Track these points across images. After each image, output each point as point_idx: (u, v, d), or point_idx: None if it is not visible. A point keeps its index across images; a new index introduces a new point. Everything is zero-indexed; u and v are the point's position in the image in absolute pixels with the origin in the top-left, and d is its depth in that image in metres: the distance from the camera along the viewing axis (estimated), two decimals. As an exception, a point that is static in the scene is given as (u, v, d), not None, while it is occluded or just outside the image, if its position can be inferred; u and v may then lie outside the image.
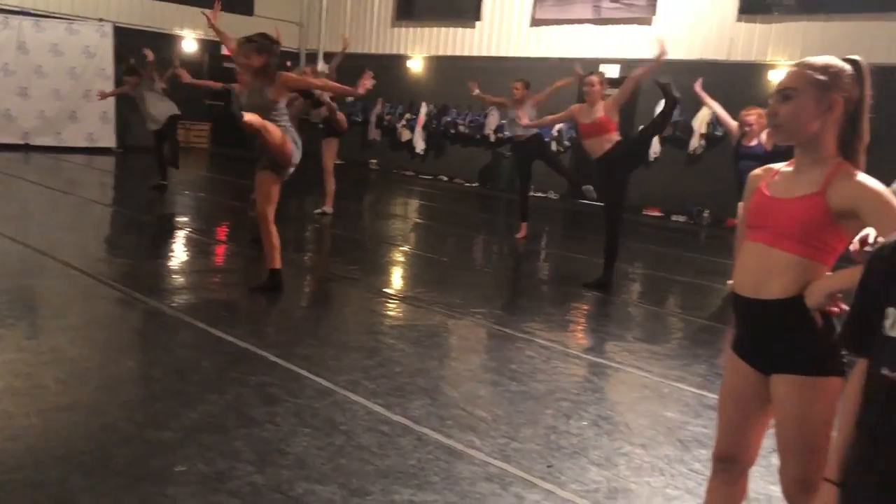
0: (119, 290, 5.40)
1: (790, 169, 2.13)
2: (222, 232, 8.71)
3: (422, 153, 16.60)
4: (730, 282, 3.82)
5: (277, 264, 5.66)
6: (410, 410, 3.76)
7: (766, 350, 2.10)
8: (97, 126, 14.71)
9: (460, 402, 3.94)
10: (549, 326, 5.55)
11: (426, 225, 10.95)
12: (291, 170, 5.60)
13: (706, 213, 12.61)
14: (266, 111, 5.29)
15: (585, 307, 6.40)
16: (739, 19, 12.21)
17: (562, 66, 14.21)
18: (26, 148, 14.06)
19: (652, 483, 3.24)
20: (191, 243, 7.69)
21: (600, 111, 6.75)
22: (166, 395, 3.71)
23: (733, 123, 7.05)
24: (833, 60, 2.06)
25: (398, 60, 17.08)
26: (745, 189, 2.26)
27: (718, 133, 12.28)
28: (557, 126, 13.89)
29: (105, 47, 14.90)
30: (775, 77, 11.79)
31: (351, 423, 3.55)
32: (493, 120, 15.20)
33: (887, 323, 1.51)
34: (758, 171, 2.23)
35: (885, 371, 1.49)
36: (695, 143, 12.60)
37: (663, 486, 3.21)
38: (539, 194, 13.94)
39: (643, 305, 6.78)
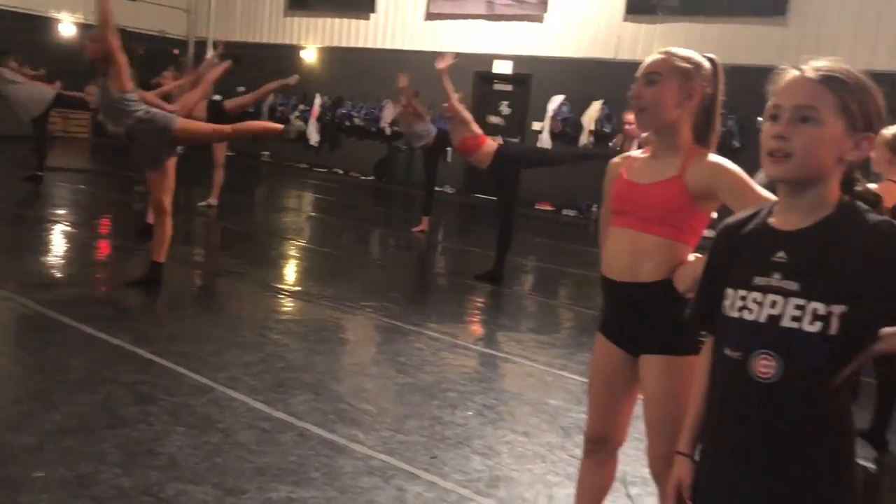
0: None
1: (647, 156, 2.19)
2: (101, 225, 8.29)
3: (316, 145, 16.33)
4: None
5: (162, 258, 5.45)
6: (293, 406, 3.66)
7: (635, 332, 2.15)
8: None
9: (345, 396, 3.87)
10: (440, 319, 5.55)
11: (320, 218, 10.78)
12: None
13: (595, 208, 12.96)
14: (117, 107, 5.16)
15: (478, 300, 6.44)
16: (626, 19, 12.59)
17: (456, 60, 14.30)
18: None
19: (533, 470, 3.27)
20: (67, 237, 7.27)
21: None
22: (28, 396, 3.47)
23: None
24: (695, 54, 2.13)
25: (291, 51, 16.73)
26: (605, 177, 2.30)
27: (607, 129, 12.65)
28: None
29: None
30: None
31: (229, 421, 3.43)
32: (388, 113, 15.11)
33: (727, 303, 1.55)
34: (616, 159, 2.28)
35: (727, 351, 1.53)
36: (584, 139, 12.92)
37: (544, 472, 3.25)
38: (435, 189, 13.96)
39: (534, 297, 6.88)
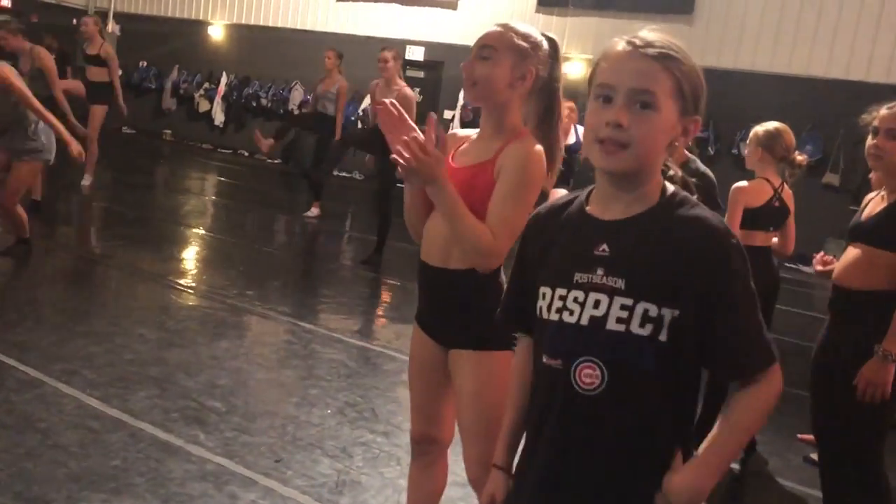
0: None
1: (475, 137, 2.00)
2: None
3: (221, 126, 15.72)
4: None
5: (27, 234, 5.23)
6: (131, 403, 3.36)
7: (445, 323, 2.00)
8: None
9: (193, 392, 3.58)
10: (319, 309, 5.29)
11: (215, 202, 10.32)
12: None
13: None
14: None
15: (363, 289, 6.20)
16: (538, 11, 12.53)
17: (368, 43, 13.99)
18: None
19: (386, 474, 3.07)
20: None
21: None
22: None
23: None
24: (534, 32, 1.95)
25: (197, 26, 16.03)
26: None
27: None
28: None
29: None
30: (570, 69, 12.22)
31: (52, 420, 3.10)
32: (297, 95, 14.67)
33: (543, 304, 1.37)
34: (457, 132, 2.10)
35: (545, 359, 1.35)
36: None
37: (397, 476, 3.05)
38: (344, 174, 13.68)
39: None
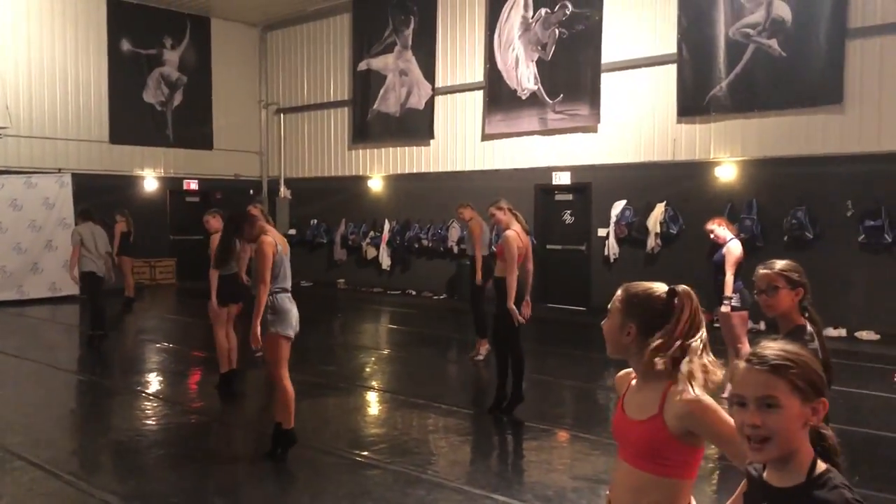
0: (69, 484, 5.24)
1: (636, 382, 2.21)
2: (192, 398, 8.58)
3: (388, 269, 16.73)
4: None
5: (292, 423, 5.54)
6: None
7: None
8: (60, 275, 14.68)
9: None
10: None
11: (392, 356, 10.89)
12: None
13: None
14: None
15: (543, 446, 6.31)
16: (680, 121, 12.65)
17: (514, 175, 14.62)
18: (-12, 305, 13.98)
19: None
20: (158, 416, 7.48)
21: None
22: None
23: None
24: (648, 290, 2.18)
25: (358, 181, 17.43)
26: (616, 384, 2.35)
27: (673, 230, 12.55)
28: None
29: (64, 197, 15.07)
30: (720, 173, 12.15)
31: None
32: (455, 232, 15.42)
33: None
34: (622, 373, 2.32)
35: None
36: (651, 242, 12.82)
37: None
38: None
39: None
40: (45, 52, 16.03)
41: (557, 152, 14.18)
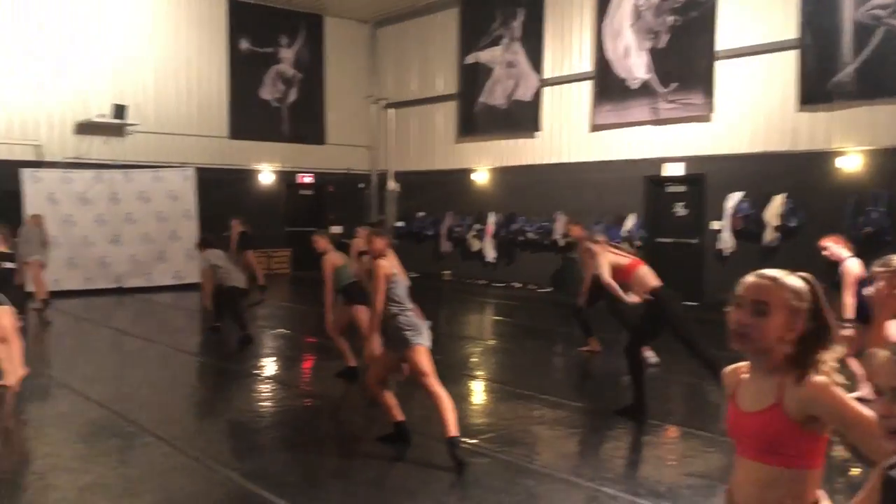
0: (195, 460, 5.55)
1: (748, 375, 2.13)
2: (306, 382, 8.89)
3: (493, 261, 16.78)
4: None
5: (454, 431, 5.24)
6: None
7: None
8: (183, 264, 15.53)
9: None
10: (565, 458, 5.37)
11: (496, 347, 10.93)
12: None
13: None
14: None
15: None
16: (801, 109, 12.07)
17: (623, 167, 14.34)
18: (119, 291, 14.94)
19: None
20: (275, 399, 7.66)
21: None
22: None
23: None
24: (798, 283, 2.07)
25: (464, 174, 17.55)
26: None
27: (792, 224, 12.01)
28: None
29: (188, 189, 15.90)
30: (843, 164, 11.53)
31: None
32: (560, 225, 15.28)
33: None
34: (728, 370, 2.24)
35: None
36: (768, 235, 12.31)
37: None
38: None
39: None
40: (170, 53, 16.94)
41: (669, 143, 13.82)
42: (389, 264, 5.59)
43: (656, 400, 6.72)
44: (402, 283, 5.61)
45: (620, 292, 7.24)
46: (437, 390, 5.28)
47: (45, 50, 15.35)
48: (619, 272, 7.10)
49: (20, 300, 8.47)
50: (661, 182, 14.14)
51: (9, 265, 7.82)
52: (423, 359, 5.33)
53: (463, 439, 5.33)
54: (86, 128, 15.81)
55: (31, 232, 12.54)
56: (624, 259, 7.24)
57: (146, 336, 10.73)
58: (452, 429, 5.15)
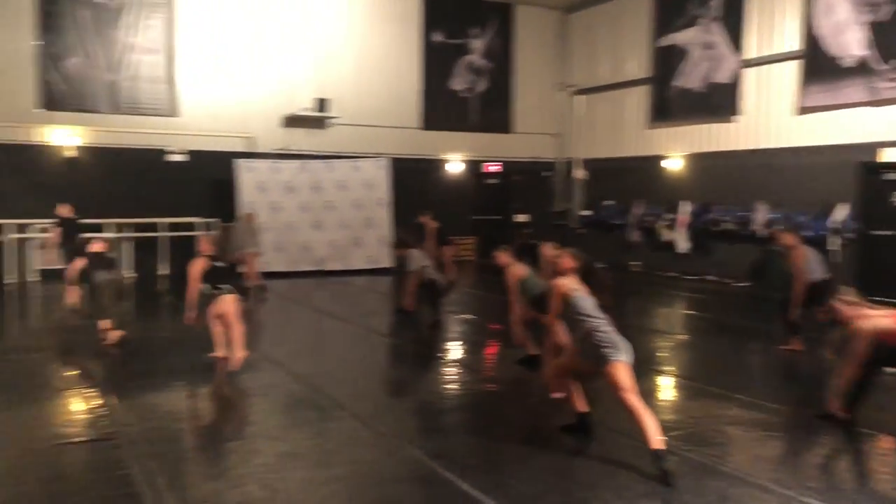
0: (383, 436, 5.80)
1: None
2: (490, 367, 9.01)
3: (685, 252, 16.06)
4: None
5: (656, 444, 4.99)
6: None
7: None
8: (376, 249, 16.25)
9: None
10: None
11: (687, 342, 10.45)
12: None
13: None
14: None
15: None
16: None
17: (832, 152, 13.17)
18: (320, 273, 15.93)
19: None
20: (460, 382, 7.83)
21: None
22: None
23: None
24: None
25: (654, 161, 16.93)
26: None
27: None
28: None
29: (381, 179, 16.60)
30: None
31: None
32: (761, 215, 14.33)
33: None
34: None
35: None
36: None
37: None
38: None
39: None
40: (366, 49, 17.73)
41: (888, 125, 12.50)
42: (568, 283, 5.51)
43: (870, 408, 6.12)
44: (586, 299, 5.47)
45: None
46: (635, 405, 5.10)
47: (257, 51, 16.62)
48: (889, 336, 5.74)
49: (242, 289, 9.25)
50: (877, 169, 12.83)
51: (219, 264, 8.32)
52: (622, 374, 5.18)
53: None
54: (291, 121, 16.96)
55: (245, 227, 14.04)
56: (886, 320, 5.80)
57: (342, 317, 11.36)
58: (656, 442, 4.95)
